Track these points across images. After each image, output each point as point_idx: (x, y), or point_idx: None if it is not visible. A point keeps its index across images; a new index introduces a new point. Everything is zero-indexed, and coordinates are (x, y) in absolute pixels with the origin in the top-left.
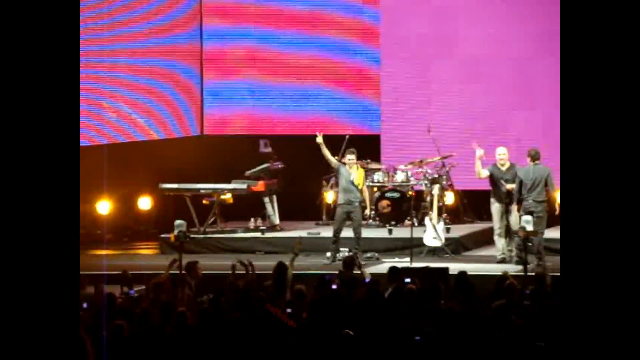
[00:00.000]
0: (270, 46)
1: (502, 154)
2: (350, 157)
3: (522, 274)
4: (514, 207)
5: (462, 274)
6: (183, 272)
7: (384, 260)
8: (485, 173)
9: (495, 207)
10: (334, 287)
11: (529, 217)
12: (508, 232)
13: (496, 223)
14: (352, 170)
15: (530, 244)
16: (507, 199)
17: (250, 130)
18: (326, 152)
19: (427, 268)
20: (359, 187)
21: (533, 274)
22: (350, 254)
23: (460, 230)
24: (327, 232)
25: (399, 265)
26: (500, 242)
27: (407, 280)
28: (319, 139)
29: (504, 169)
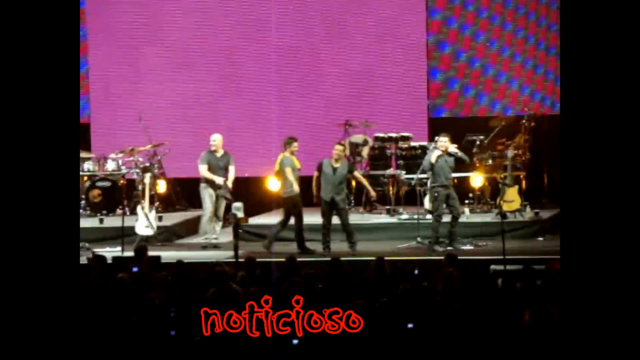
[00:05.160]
0: None
1: (214, 140)
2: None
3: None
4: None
5: (179, 262)
6: None
7: (94, 250)
8: (205, 167)
9: (208, 192)
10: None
11: (239, 204)
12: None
13: (208, 206)
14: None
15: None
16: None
17: None
18: None
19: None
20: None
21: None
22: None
23: (172, 219)
24: None
25: (111, 255)
26: (208, 226)
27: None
28: None
29: (218, 155)
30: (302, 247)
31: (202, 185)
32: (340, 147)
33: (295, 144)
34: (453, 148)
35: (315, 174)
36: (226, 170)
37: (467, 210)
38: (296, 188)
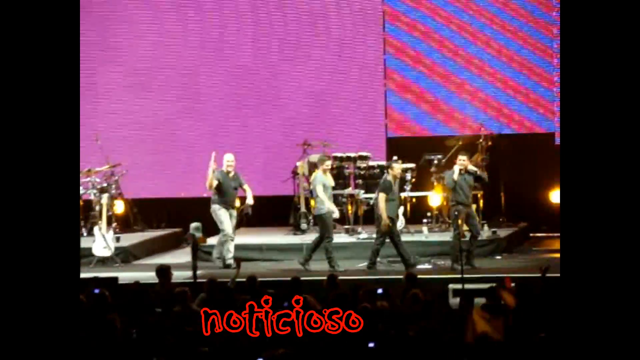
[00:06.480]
0: None
1: (231, 161)
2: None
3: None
4: None
5: (137, 283)
6: None
7: None
8: (215, 182)
9: (224, 212)
10: None
11: (198, 224)
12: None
13: (228, 227)
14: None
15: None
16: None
17: None
18: None
19: (96, 278)
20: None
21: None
22: None
23: (130, 239)
24: None
25: None
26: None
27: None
28: None
29: (230, 175)
30: (306, 262)
31: (216, 207)
32: (400, 167)
33: (328, 162)
34: (472, 167)
35: (383, 195)
36: (236, 190)
37: (425, 229)
38: (329, 206)
